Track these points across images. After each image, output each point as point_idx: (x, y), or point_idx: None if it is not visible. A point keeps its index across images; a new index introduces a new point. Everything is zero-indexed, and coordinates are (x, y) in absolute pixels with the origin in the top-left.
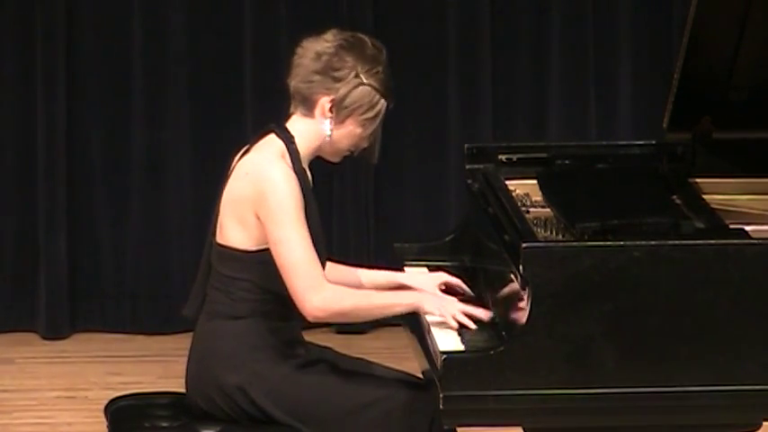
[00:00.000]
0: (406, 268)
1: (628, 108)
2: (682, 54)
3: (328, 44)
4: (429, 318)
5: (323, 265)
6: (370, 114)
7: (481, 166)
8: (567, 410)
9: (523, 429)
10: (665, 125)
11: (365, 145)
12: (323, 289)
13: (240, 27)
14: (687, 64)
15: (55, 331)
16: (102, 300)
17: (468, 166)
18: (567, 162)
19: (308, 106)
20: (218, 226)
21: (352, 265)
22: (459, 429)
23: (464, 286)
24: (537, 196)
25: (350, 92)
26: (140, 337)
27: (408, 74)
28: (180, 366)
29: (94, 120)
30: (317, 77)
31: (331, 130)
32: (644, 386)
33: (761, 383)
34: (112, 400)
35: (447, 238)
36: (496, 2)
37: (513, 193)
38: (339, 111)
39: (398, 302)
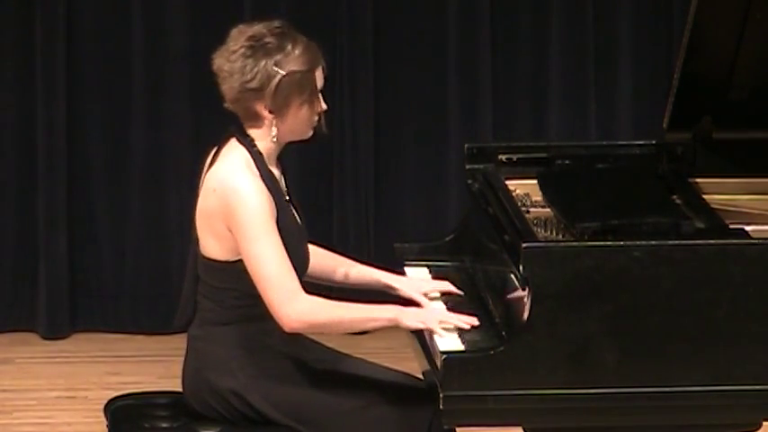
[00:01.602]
0: (406, 268)
1: (628, 108)
2: (682, 54)
3: (234, 57)
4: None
5: (304, 268)
6: (306, 94)
7: (481, 166)
8: (567, 410)
9: (523, 429)
10: (665, 125)
11: (320, 110)
12: (298, 301)
13: None
14: (687, 64)
15: (55, 331)
16: (102, 300)
17: (468, 166)
18: (567, 162)
19: (252, 117)
20: (199, 239)
21: (347, 257)
22: (458, 429)
23: (452, 288)
24: (537, 196)
25: (276, 90)
26: (140, 337)
27: (408, 73)
28: (180, 366)
29: (94, 120)
30: (241, 95)
31: (278, 130)
32: (644, 386)
33: (761, 383)
34: (112, 400)
35: (447, 238)
36: (496, 2)
37: (513, 193)
38: (278, 109)
39: (377, 317)
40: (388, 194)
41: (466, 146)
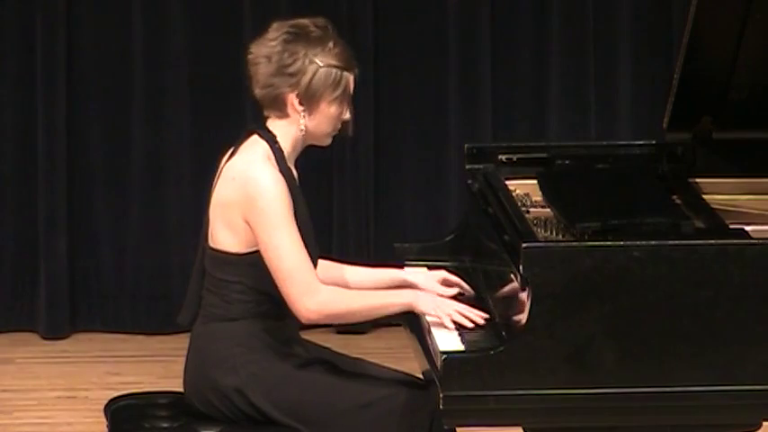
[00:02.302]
0: (406, 268)
1: (628, 108)
2: (682, 54)
3: (274, 43)
4: (428, 317)
5: (314, 263)
6: (339, 92)
7: (481, 166)
8: (567, 410)
9: (523, 429)
10: (665, 125)
11: (346, 118)
12: (317, 292)
13: (240, 27)
14: (687, 64)
15: (55, 331)
16: (102, 300)
17: (468, 166)
18: (567, 162)
19: (279, 107)
20: (209, 230)
21: (352, 264)
22: (459, 429)
23: (464, 285)
24: (537, 196)
25: (311, 80)
26: (140, 337)
27: (408, 74)
28: (180, 366)
29: (94, 120)
30: (275, 80)
31: (305, 124)
32: (644, 386)
33: (761, 383)
34: (112, 400)
35: (447, 238)
36: (496, 2)
37: (513, 193)
38: (308, 101)
39: (393, 302)
40: (388, 194)
41: (466, 146)
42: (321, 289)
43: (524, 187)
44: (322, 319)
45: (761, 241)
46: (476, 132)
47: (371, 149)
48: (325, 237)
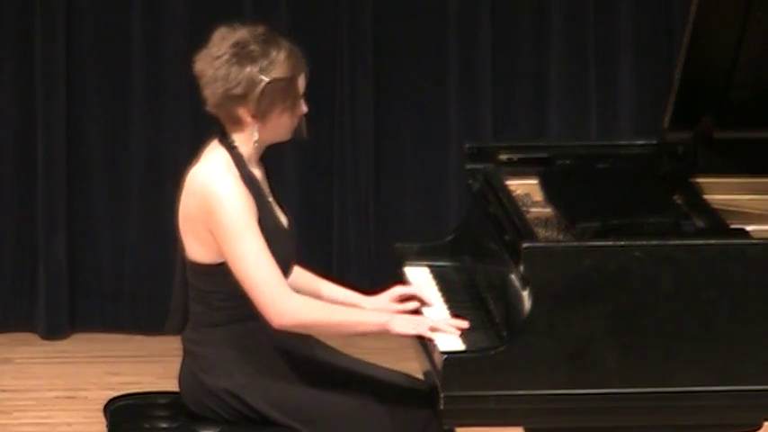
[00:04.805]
0: (406, 268)
1: (628, 108)
2: (682, 54)
3: (218, 63)
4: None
5: (289, 266)
6: (290, 100)
7: (481, 166)
8: (567, 410)
9: (524, 429)
10: (665, 125)
11: (303, 112)
12: (289, 299)
13: None
14: (688, 64)
15: (55, 331)
16: (102, 300)
17: (468, 166)
18: (567, 162)
19: (234, 122)
20: (184, 242)
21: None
22: (459, 430)
23: (419, 294)
24: (537, 196)
25: (260, 96)
26: (140, 337)
27: (408, 74)
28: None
29: (94, 120)
30: (225, 102)
31: (259, 136)
32: (644, 386)
33: (761, 383)
34: (112, 400)
35: (447, 238)
36: (496, 2)
37: (514, 193)
38: (261, 114)
39: (367, 322)
40: (388, 194)
41: (466, 146)
42: (292, 296)
43: (525, 187)
44: (293, 326)
45: (762, 241)
46: (476, 132)
47: (371, 149)
48: (326, 237)
